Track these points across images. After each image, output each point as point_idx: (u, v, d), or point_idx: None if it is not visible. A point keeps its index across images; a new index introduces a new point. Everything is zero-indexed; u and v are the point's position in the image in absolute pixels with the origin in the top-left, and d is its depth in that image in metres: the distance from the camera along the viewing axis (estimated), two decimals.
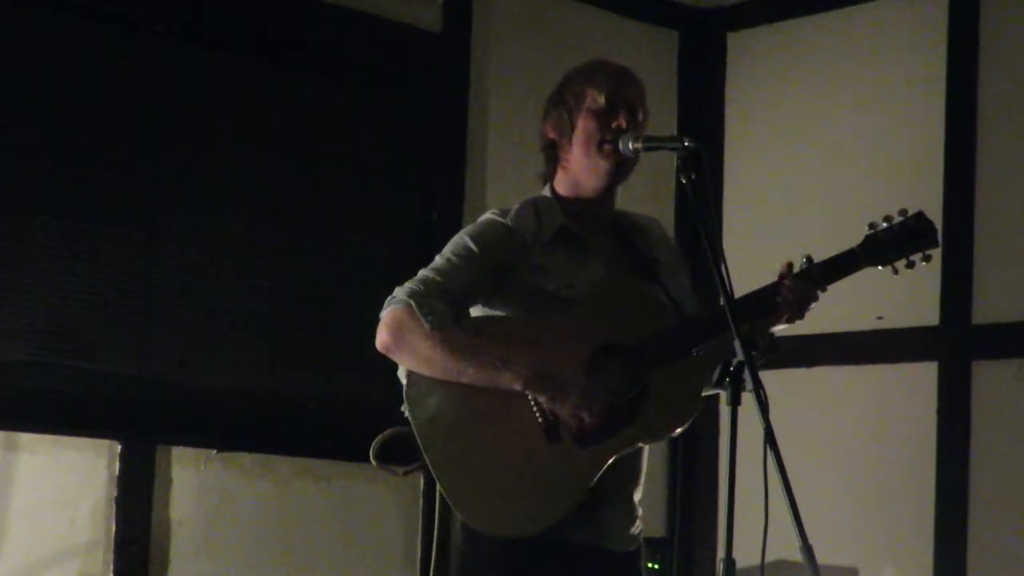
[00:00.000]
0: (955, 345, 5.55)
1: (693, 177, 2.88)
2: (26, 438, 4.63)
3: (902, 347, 5.67)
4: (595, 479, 3.00)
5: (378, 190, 5.48)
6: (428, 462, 3.02)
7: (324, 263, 5.32)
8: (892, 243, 3.15)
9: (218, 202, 5.09)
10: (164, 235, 4.96)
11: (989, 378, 5.47)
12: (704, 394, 3.13)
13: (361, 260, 5.39)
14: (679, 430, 3.07)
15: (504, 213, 3.19)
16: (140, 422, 4.86)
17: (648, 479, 3.22)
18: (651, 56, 6.23)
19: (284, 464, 5.15)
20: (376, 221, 5.47)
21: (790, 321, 3.12)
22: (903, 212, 3.17)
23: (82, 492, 4.74)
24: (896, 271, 3.17)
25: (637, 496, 3.18)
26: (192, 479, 4.95)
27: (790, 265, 3.14)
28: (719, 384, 2.77)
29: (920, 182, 5.61)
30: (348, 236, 5.38)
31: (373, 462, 3.16)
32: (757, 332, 3.03)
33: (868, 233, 3.17)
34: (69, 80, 4.81)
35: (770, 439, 2.63)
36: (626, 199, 3.28)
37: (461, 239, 3.16)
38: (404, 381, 3.09)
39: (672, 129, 6.12)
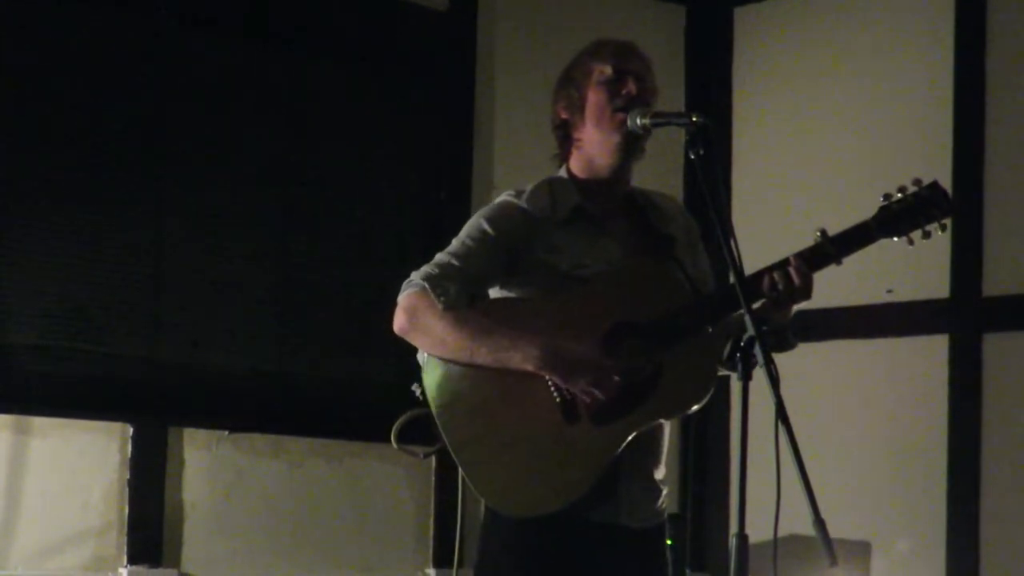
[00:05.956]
0: (966, 318, 5.54)
1: (702, 152, 2.87)
2: (38, 422, 4.65)
3: (913, 320, 5.66)
4: (613, 458, 2.99)
5: (385, 169, 5.48)
6: (447, 444, 3.02)
7: (333, 243, 5.32)
8: (906, 214, 3.12)
9: (226, 184, 5.10)
10: (173, 217, 4.96)
11: (1000, 350, 5.46)
12: (719, 373, 3.12)
13: (369, 240, 5.38)
14: (695, 407, 3.06)
15: (519, 194, 3.19)
16: (151, 404, 4.87)
17: None
18: (658, 32, 6.21)
19: (296, 444, 5.16)
20: (384, 200, 5.46)
21: (795, 302, 3.09)
22: (917, 182, 3.14)
23: (94, 475, 4.75)
24: (912, 242, 3.14)
25: (659, 474, 3.17)
26: (204, 460, 4.96)
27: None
28: (730, 360, 2.76)
29: (929, 154, 5.59)
30: (356, 216, 5.38)
31: (394, 444, 3.15)
32: (769, 325, 3.00)
33: (882, 204, 3.13)
34: (75, 64, 4.81)
35: (781, 414, 2.62)
36: (636, 174, 3.27)
37: (477, 222, 3.16)
38: (423, 364, 3.09)
39: (680, 105, 6.11)
